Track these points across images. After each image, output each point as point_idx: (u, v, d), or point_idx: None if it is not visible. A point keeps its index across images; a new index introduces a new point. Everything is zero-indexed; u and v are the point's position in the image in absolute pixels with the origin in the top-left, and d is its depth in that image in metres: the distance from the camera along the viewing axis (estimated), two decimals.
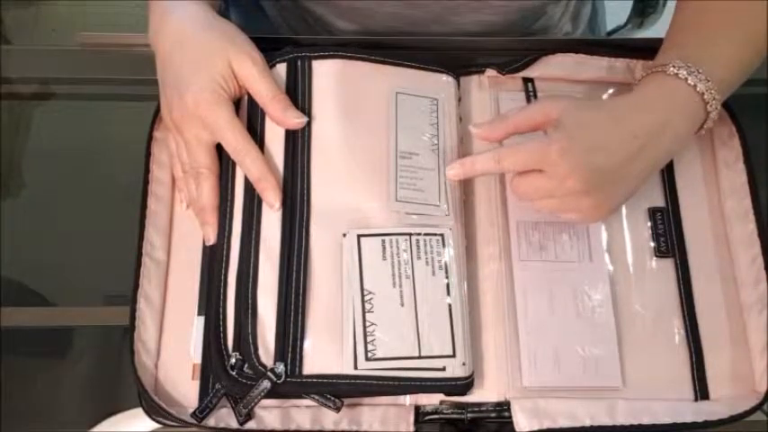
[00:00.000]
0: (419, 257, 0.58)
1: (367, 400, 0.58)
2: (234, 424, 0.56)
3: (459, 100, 0.67)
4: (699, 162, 0.67)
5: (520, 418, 0.56)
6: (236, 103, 0.62)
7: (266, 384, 0.54)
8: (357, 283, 0.57)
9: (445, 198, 0.61)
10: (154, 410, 0.56)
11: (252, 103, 0.62)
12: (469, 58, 0.70)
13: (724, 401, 0.58)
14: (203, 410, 0.56)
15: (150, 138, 0.65)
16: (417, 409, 0.58)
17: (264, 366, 0.54)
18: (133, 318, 0.58)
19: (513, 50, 0.70)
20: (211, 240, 0.60)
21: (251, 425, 0.56)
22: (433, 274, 0.58)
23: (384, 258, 0.58)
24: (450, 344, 0.56)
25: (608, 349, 0.59)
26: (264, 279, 0.57)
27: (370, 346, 0.55)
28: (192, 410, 0.56)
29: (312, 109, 0.62)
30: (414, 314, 0.57)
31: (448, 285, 0.58)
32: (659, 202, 0.65)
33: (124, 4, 1.53)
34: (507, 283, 0.61)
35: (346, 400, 0.56)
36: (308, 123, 0.62)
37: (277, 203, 0.58)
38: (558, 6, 0.82)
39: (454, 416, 0.58)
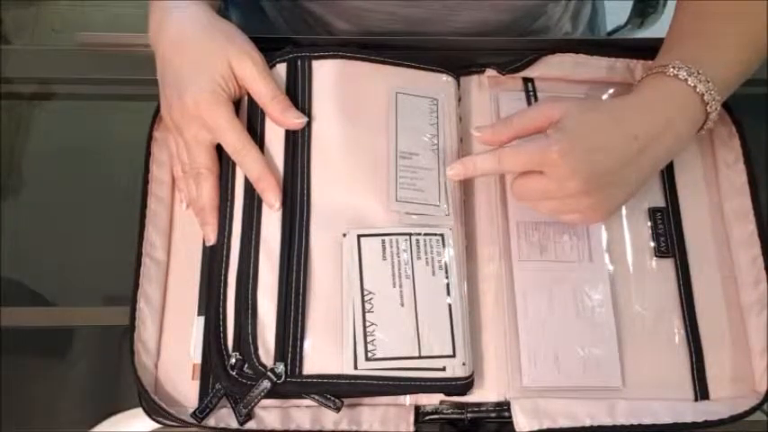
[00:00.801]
0: (419, 257, 0.58)
1: (367, 400, 0.58)
2: (234, 424, 0.56)
3: (459, 100, 0.67)
4: (699, 162, 0.67)
5: (520, 418, 0.56)
6: (237, 104, 0.62)
7: (266, 384, 0.54)
8: (357, 283, 0.57)
9: (445, 198, 0.61)
10: (154, 410, 0.56)
11: (252, 103, 0.62)
12: (469, 58, 0.70)
13: (724, 401, 0.58)
14: (203, 410, 0.56)
15: (150, 138, 0.65)
16: (417, 409, 0.58)
17: (264, 366, 0.54)
18: (133, 318, 0.58)
19: (513, 50, 0.70)
20: (211, 241, 0.60)
21: (251, 425, 0.56)
22: (433, 274, 0.58)
23: (384, 258, 0.58)
24: (450, 344, 0.56)
25: (608, 349, 0.59)
26: (264, 279, 0.57)
27: (370, 347, 0.55)
28: (192, 410, 0.56)
29: (312, 109, 0.62)
30: (414, 314, 0.57)
31: (448, 285, 0.58)
32: (659, 202, 0.65)
33: (124, 4, 1.53)
34: (507, 283, 0.61)
35: (346, 400, 0.56)
36: (308, 123, 0.62)
37: (277, 203, 0.58)
38: (557, 6, 0.82)
39: (454, 416, 0.58)
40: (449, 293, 0.58)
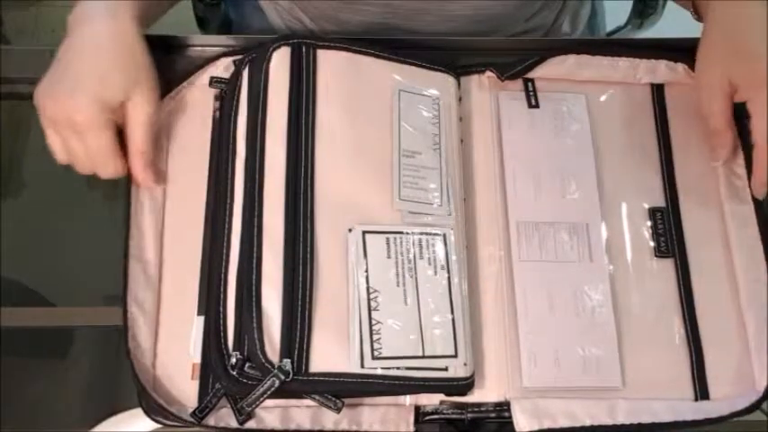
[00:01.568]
0: (422, 257, 0.58)
1: (367, 399, 0.57)
2: (234, 423, 0.55)
3: (460, 100, 0.67)
4: (700, 162, 0.67)
5: (520, 419, 0.56)
6: (232, 96, 0.62)
7: (273, 382, 0.53)
8: (363, 279, 0.57)
9: (447, 198, 0.61)
10: (153, 410, 0.56)
11: (251, 91, 0.61)
12: (469, 57, 0.70)
13: (724, 400, 0.59)
14: (203, 410, 0.55)
15: None
16: (417, 409, 0.58)
17: (271, 363, 0.53)
18: (125, 319, 0.58)
19: (514, 51, 0.70)
20: (148, 182, 0.60)
21: (251, 424, 0.56)
22: (435, 273, 0.58)
23: (389, 257, 0.58)
24: (452, 344, 0.56)
25: (608, 349, 0.59)
26: (268, 270, 0.56)
27: (376, 345, 0.55)
28: (191, 410, 0.55)
29: (316, 98, 0.62)
30: (417, 314, 0.57)
31: (450, 285, 0.58)
32: (659, 202, 0.65)
33: None
34: (507, 283, 0.61)
35: (347, 400, 0.56)
36: (313, 112, 0.61)
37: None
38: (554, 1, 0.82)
39: (454, 416, 0.58)
40: (450, 293, 0.58)
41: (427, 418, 0.58)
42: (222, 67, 0.67)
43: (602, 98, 0.68)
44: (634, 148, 0.67)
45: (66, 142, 0.59)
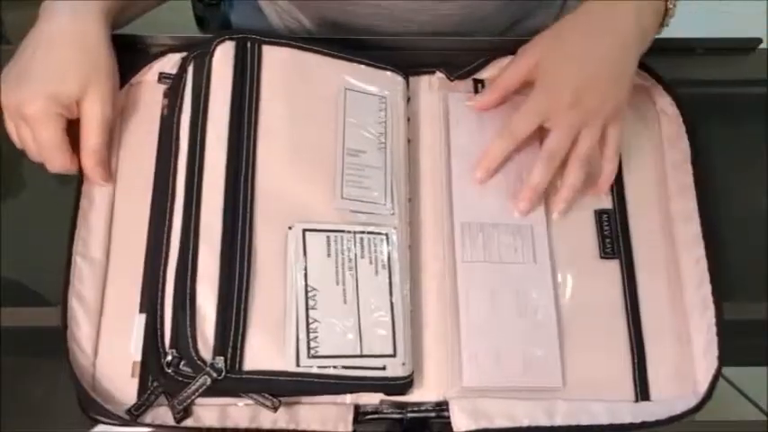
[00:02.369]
0: (363, 256, 0.58)
1: (306, 398, 0.57)
2: (171, 421, 0.55)
3: (409, 100, 0.67)
4: (648, 163, 0.67)
5: (457, 418, 0.56)
6: (177, 92, 0.62)
7: (205, 380, 0.52)
8: (302, 278, 0.56)
9: (391, 197, 0.61)
10: (91, 408, 0.55)
11: (194, 87, 0.61)
12: (425, 58, 0.70)
13: (664, 402, 0.59)
14: (139, 408, 0.55)
15: None
16: (357, 408, 0.57)
17: (204, 361, 0.53)
18: (65, 317, 0.57)
19: (468, 51, 0.70)
20: (99, 180, 0.61)
21: (188, 422, 0.55)
22: (377, 272, 0.58)
23: (329, 255, 0.58)
24: (391, 343, 0.56)
25: (549, 350, 0.59)
26: (204, 267, 0.55)
27: (312, 344, 0.55)
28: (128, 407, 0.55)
29: (260, 95, 0.61)
30: (356, 312, 0.56)
31: (390, 284, 0.58)
32: (606, 204, 0.65)
33: None
34: (450, 283, 0.61)
35: (285, 398, 0.55)
36: (256, 109, 0.60)
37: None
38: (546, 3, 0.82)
39: (394, 415, 0.57)
40: (391, 292, 0.57)
41: (367, 417, 0.57)
42: (172, 63, 0.67)
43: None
44: None
45: (17, 130, 0.60)
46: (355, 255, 0.58)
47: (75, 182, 0.62)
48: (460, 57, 0.69)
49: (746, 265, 0.65)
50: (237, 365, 0.53)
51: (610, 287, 0.62)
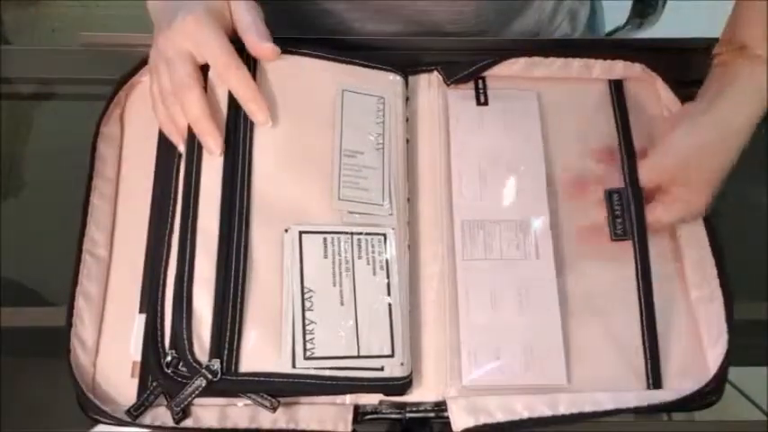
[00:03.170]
0: (360, 257, 0.58)
1: (305, 398, 0.57)
2: (170, 422, 0.55)
3: (407, 99, 0.67)
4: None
5: (456, 417, 0.56)
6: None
7: (201, 382, 0.53)
8: (298, 280, 0.56)
9: (389, 197, 0.61)
10: (90, 408, 0.55)
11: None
12: (425, 57, 0.70)
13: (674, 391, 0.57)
14: (138, 408, 0.55)
15: (97, 133, 0.64)
16: (356, 408, 0.57)
17: (200, 363, 0.53)
18: (71, 315, 0.58)
19: (467, 51, 0.70)
20: (215, 152, 0.58)
21: (187, 423, 0.55)
22: (374, 273, 0.58)
23: (325, 257, 0.58)
24: (389, 344, 0.56)
25: (553, 347, 0.58)
26: (201, 270, 0.55)
27: (308, 345, 0.55)
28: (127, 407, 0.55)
29: None
30: (354, 313, 0.56)
31: (388, 285, 0.58)
32: (617, 183, 0.63)
33: (124, 4, 1.53)
34: (450, 282, 0.60)
35: (285, 398, 0.56)
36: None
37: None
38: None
39: (393, 416, 0.57)
40: (389, 293, 0.57)
41: (366, 417, 0.57)
42: None
43: (556, 94, 0.67)
44: (588, 137, 0.66)
45: (158, 78, 0.59)
46: (352, 256, 0.58)
47: (76, 182, 0.62)
48: (461, 57, 0.69)
49: (746, 266, 0.65)
50: (234, 367, 0.54)
51: (622, 269, 0.61)
